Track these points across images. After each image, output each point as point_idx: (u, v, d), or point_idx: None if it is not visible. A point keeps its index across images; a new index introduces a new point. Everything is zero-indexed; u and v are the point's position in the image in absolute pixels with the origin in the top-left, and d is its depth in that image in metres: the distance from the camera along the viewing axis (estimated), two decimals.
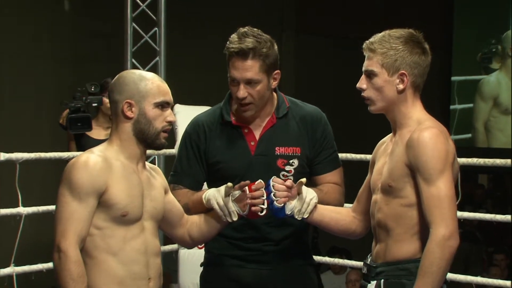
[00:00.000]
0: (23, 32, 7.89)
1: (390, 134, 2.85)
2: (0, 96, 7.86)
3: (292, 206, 2.93)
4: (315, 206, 2.96)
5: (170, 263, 5.38)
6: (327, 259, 5.54)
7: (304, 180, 2.95)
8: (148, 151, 2.82)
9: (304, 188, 2.95)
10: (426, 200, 2.63)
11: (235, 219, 2.94)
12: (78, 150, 5.37)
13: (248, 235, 3.17)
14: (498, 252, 8.35)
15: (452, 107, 11.29)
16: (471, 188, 10.51)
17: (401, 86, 2.75)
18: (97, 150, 2.71)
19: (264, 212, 2.92)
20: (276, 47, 3.11)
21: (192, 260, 4.91)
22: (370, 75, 2.77)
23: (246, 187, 2.91)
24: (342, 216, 3.02)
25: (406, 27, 2.81)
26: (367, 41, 2.79)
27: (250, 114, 3.12)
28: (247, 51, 3.04)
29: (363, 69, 2.80)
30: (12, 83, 7.90)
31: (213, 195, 2.95)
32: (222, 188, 2.93)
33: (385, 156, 2.81)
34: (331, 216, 3.01)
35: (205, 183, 3.23)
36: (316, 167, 3.19)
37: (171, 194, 2.96)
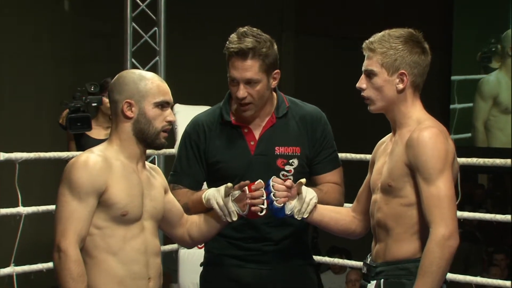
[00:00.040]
0: (23, 32, 7.89)
1: (390, 134, 2.85)
2: (0, 96, 7.86)
3: (292, 206, 2.93)
4: (315, 206, 2.96)
5: (170, 263, 5.39)
6: (327, 259, 5.53)
7: (304, 180, 2.95)
8: (148, 151, 2.82)
9: (303, 188, 2.95)
10: (426, 200, 2.63)
11: (234, 219, 2.94)
12: (78, 150, 5.37)
13: (248, 235, 3.17)
14: (498, 252, 8.35)
15: (452, 106, 11.29)
16: (471, 188, 10.52)
17: (400, 86, 2.75)
18: (97, 150, 2.71)
19: (264, 212, 2.92)
20: (275, 46, 3.11)
21: (192, 260, 4.91)
22: (370, 74, 2.77)
23: (246, 187, 2.91)
24: (342, 216, 3.02)
25: (406, 28, 2.82)
26: (367, 41, 2.80)
27: (250, 114, 3.12)
28: (247, 51, 3.04)
29: (363, 68, 2.80)
30: (12, 83, 7.90)
31: (213, 195, 2.95)
32: (222, 188, 2.93)
33: (385, 156, 2.81)
34: (331, 216, 3.01)
35: (205, 183, 3.23)
36: (316, 167, 3.19)
37: (171, 194, 2.96)
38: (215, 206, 2.93)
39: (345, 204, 3.19)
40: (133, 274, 2.69)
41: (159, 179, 2.85)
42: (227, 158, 3.15)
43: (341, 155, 3.65)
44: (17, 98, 7.89)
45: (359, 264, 4.82)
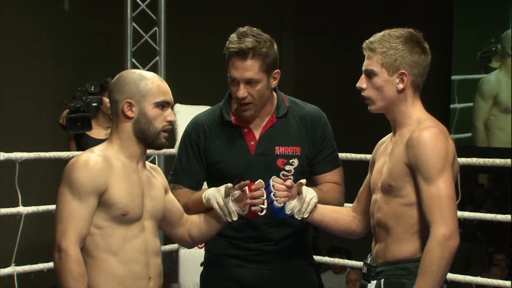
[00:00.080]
0: (23, 32, 7.89)
1: (390, 134, 2.85)
2: (0, 96, 7.86)
3: (292, 206, 2.93)
4: (315, 206, 2.96)
5: (170, 263, 5.39)
6: (327, 259, 5.54)
7: (304, 181, 2.95)
8: (148, 151, 2.82)
9: (304, 187, 2.95)
10: (426, 200, 2.63)
11: (235, 219, 2.94)
12: (78, 150, 5.37)
13: (248, 235, 3.16)
14: (498, 252, 8.34)
15: (452, 106, 11.29)
16: (471, 188, 10.52)
17: (401, 86, 2.75)
18: (97, 150, 2.71)
19: (264, 212, 2.92)
20: (275, 46, 3.11)
21: (192, 260, 4.91)
22: (370, 74, 2.77)
23: (246, 187, 2.91)
24: (342, 215, 3.02)
25: (406, 28, 2.82)
26: (367, 41, 2.79)
27: (250, 113, 3.12)
28: (247, 51, 3.04)
29: (363, 68, 2.80)
30: (12, 83, 7.90)
31: (213, 194, 2.95)
32: (222, 188, 2.93)
33: (385, 156, 2.81)
34: (331, 215, 3.01)
35: (205, 183, 3.23)
36: (316, 167, 3.19)
37: (171, 193, 2.96)
38: (215, 206, 2.94)
39: (345, 204, 3.19)
40: (133, 274, 2.69)
41: (159, 179, 2.85)
42: (227, 158, 3.15)
43: (341, 155, 3.65)
44: (17, 98, 7.89)
45: (359, 264, 4.82)
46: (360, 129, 8.89)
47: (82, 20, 8.26)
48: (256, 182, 2.91)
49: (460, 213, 4.21)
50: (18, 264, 4.42)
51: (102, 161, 2.65)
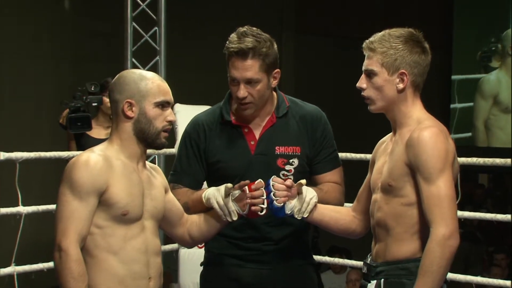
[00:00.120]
0: (23, 32, 7.89)
1: (390, 134, 2.85)
2: (0, 96, 7.86)
3: (292, 205, 2.93)
4: (315, 206, 2.96)
5: (170, 263, 5.39)
6: (327, 258, 5.53)
7: (304, 181, 2.95)
8: (148, 151, 2.82)
9: (304, 187, 2.95)
10: (426, 199, 2.63)
11: (235, 218, 2.94)
12: (78, 150, 5.37)
13: (248, 234, 3.16)
14: (499, 251, 8.34)
15: (452, 106, 11.30)
16: (471, 188, 10.52)
17: (401, 86, 2.75)
18: (97, 149, 2.71)
19: (264, 211, 2.92)
20: (275, 46, 3.11)
21: (192, 260, 4.91)
22: (370, 74, 2.77)
23: (246, 187, 2.91)
24: (342, 215, 3.02)
25: (406, 28, 2.82)
26: (367, 41, 2.79)
27: (250, 112, 3.11)
28: (247, 50, 3.04)
29: (363, 68, 2.80)
30: (12, 83, 7.90)
31: (213, 194, 2.95)
32: (222, 188, 2.93)
33: (385, 156, 2.81)
34: (331, 215, 3.01)
35: (205, 182, 3.23)
36: (316, 166, 3.19)
37: (171, 193, 2.96)
38: (215, 206, 2.94)
39: (345, 204, 3.19)
40: (133, 273, 2.69)
41: (159, 179, 2.85)
42: (227, 157, 3.15)
43: (341, 155, 3.65)
44: (17, 98, 7.89)
45: (359, 263, 4.82)
46: (360, 129, 8.89)
47: (82, 20, 8.26)
48: (256, 182, 2.91)
49: (460, 213, 4.21)
50: (18, 264, 4.42)
51: (103, 161, 2.66)
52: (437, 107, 10.25)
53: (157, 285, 2.77)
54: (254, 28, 3.10)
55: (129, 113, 2.72)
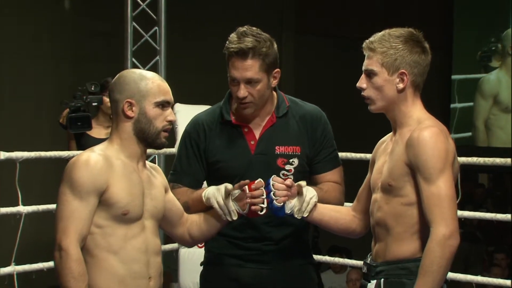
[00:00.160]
0: (23, 32, 7.89)
1: (390, 133, 2.85)
2: (0, 96, 7.86)
3: (292, 205, 2.93)
4: (315, 205, 2.96)
5: (170, 262, 5.39)
6: (327, 258, 5.53)
7: (303, 183, 2.95)
8: (149, 150, 2.83)
9: (304, 187, 2.95)
10: (426, 199, 2.63)
11: (235, 218, 2.94)
12: (78, 149, 5.38)
13: (248, 234, 3.16)
14: (499, 251, 8.35)
15: (452, 105, 11.30)
16: (471, 188, 10.52)
17: (401, 85, 2.75)
18: (97, 149, 2.72)
19: (264, 211, 2.92)
20: (275, 45, 3.11)
21: (192, 259, 4.91)
22: (370, 74, 2.77)
23: (246, 186, 2.91)
24: (342, 215, 3.02)
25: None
26: (367, 40, 2.79)
27: (250, 112, 3.11)
28: (247, 50, 3.03)
29: (363, 68, 2.80)
30: (12, 83, 7.90)
31: (213, 193, 2.95)
32: (222, 187, 2.93)
33: (385, 155, 2.81)
34: (331, 215, 3.02)
35: (205, 182, 3.23)
36: (316, 166, 3.19)
37: (171, 193, 2.96)
38: (215, 205, 2.94)
39: (345, 204, 3.19)
40: (133, 273, 2.69)
41: (159, 178, 2.85)
42: (227, 157, 3.15)
43: (341, 155, 3.65)
44: (17, 98, 7.89)
45: (359, 263, 4.82)
46: (360, 129, 8.90)
47: (82, 20, 8.26)
48: (256, 181, 2.91)
49: (460, 213, 4.20)
50: (18, 263, 4.42)
51: (103, 161, 2.66)
52: (437, 107, 10.24)
53: (157, 285, 2.77)
54: (254, 28, 3.10)
55: (129, 113, 2.72)
